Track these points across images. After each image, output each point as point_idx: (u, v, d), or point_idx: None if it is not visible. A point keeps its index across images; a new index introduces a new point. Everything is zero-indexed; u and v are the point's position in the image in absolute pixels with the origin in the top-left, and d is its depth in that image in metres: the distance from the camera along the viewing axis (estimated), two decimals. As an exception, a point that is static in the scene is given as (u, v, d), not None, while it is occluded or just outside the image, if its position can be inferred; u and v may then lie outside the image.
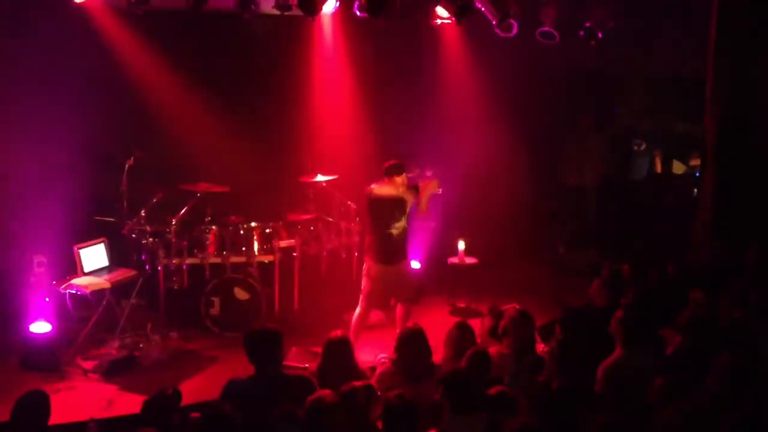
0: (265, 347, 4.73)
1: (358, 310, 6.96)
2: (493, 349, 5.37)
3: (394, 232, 6.81)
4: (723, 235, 8.03)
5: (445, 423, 4.05)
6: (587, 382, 4.77)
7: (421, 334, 5.28)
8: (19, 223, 7.74)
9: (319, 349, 5.45)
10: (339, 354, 5.16)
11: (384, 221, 6.78)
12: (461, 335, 5.41)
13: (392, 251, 6.85)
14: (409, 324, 5.76)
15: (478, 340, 5.78)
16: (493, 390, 4.47)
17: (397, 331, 6.93)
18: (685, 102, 10.01)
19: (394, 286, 6.90)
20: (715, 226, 8.27)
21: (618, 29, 8.82)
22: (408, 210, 6.91)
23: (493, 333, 6.30)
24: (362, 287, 6.92)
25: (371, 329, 7.35)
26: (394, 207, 6.80)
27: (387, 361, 5.49)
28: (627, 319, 4.98)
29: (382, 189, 6.79)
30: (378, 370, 5.41)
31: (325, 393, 4.22)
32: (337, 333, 5.34)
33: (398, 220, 6.83)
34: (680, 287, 6.20)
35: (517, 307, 5.74)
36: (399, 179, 6.80)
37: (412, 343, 5.22)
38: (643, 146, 10.95)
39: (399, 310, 7.04)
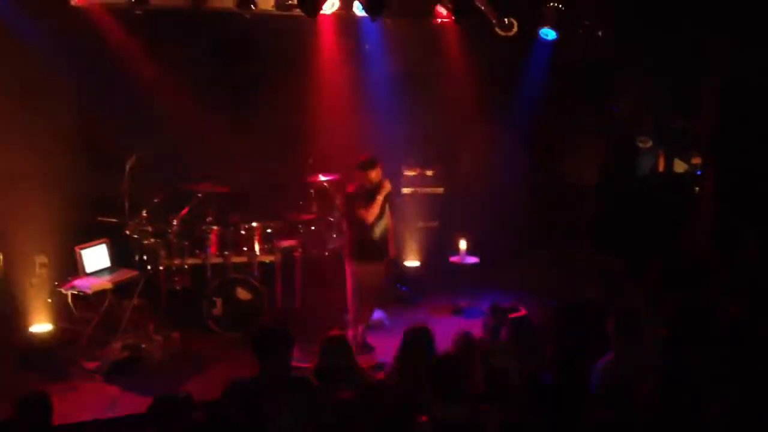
0: (273, 346, 4.73)
1: (350, 308, 7.05)
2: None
3: (377, 232, 6.85)
4: (724, 232, 8.04)
5: (435, 409, 4.06)
6: (582, 378, 4.77)
7: (427, 334, 5.24)
8: (21, 224, 7.74)
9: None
10: (337, 353, 5.17)
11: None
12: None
13: (376, 251, 6.90)
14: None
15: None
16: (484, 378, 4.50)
17: (359, 330, 7.05)
18: (687, 99, 10.00)
19: (374, 285, 6.98)
20: (715, 221, 8.28)
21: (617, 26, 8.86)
22: (387, 208, 6.94)
23: (495, 332, 6.30)
24: (348, 287, 7.00)
25: (370, 330, 7.38)
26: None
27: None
28: (617, 323, 4.98)
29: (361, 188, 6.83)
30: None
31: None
32: (335, 332, 5.35)
33: (380, 219, 6.85)
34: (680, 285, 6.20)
35: (520, 312, 5.71)
36: (374, 173, 6.81)
37: (417, 346, 5.18)
38: (650, 144, 10.88)
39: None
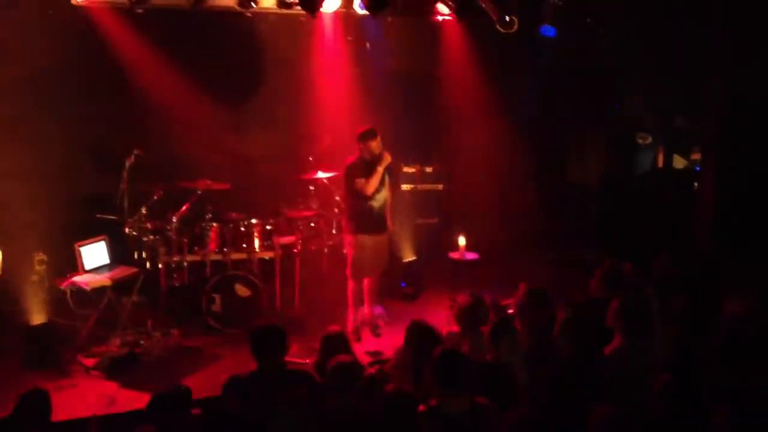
0: (269, 343, 4.74)
1: (349, 285, 7.06)
2: None
3: (376, 204, 6.83)
4: (724, 228, 8.04)
5: (436, 400, 4.07)
6: (588, 373, 4.76)
7: (431, 331, 5.23)
8: (20, 221, 7.74)
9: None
10: (336, 348, 5.17)
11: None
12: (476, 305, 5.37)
13: (375, 222, 6.87)
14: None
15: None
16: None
17: (366, 306, 7.03)
18: (687, 95, 10.00)
19: (376, 257, 6.95)
20: (715, 219, 8.28)
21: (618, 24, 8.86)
22: (387, 179, 6.91)
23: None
24: (347, 260, 6.97)
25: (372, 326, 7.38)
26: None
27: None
28: (624, 310, 4.97)
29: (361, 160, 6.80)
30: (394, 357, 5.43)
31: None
32: (334, 328, 5.37)
33: (379, 191, 6.84)
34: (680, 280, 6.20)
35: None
36: (374, 143, 6.76)
37: (422, 339, 5.18)
38: (649, 140, 10.88)
39: (369, 284, 7.13)
